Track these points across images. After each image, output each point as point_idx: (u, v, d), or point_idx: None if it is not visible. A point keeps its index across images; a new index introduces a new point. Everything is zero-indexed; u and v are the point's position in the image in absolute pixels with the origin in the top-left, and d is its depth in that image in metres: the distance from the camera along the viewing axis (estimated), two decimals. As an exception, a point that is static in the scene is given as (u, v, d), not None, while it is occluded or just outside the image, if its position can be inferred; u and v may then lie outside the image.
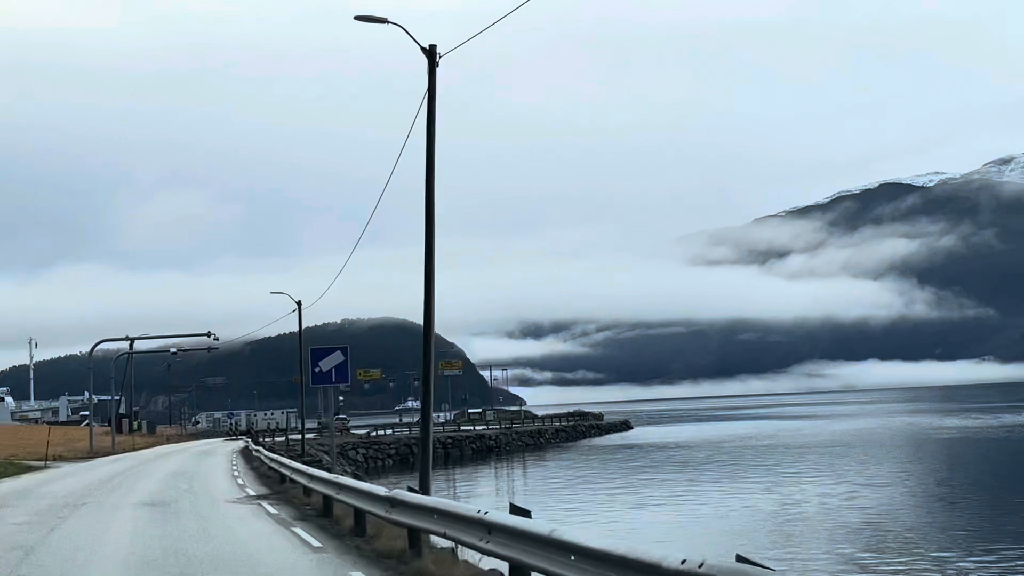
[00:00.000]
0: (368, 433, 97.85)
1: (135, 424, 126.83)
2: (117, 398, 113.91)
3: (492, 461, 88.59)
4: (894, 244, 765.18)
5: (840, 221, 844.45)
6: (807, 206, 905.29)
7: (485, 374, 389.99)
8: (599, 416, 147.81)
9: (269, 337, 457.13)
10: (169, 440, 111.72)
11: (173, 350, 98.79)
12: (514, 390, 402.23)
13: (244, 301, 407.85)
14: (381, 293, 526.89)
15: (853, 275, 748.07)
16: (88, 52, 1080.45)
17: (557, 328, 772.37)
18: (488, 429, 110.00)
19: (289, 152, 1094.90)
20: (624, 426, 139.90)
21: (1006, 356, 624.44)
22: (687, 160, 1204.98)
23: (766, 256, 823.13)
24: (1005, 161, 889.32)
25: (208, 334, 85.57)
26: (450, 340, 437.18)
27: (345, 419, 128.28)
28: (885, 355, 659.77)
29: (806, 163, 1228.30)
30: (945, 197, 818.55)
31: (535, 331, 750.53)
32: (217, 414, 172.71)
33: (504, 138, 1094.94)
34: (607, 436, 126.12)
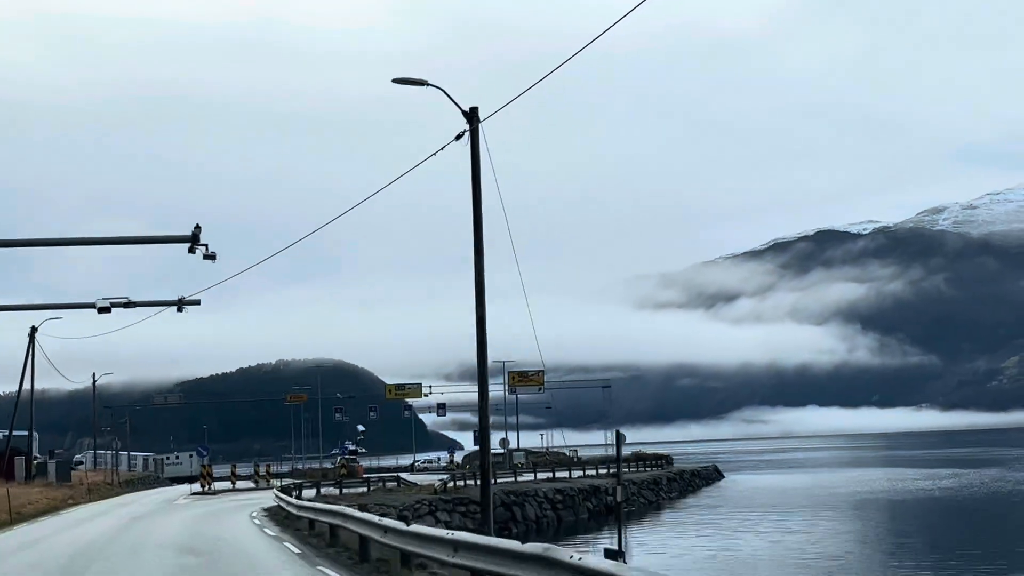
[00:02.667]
0: (446, 484, 64.81)
1: (35, 466, 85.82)
2: (7, 433, 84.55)
3: (644, 526, 64.55)
4: (842, 288, 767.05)
5: (792, 263, 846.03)
6: (746, 251, 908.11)
7: (423, 417, 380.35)
8: (669, 459, 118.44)
9: (201, 378, 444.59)
10: (91, 491, 73.53)
11: (103, 302, 46.32)
12: (452, 435, 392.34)
13: (177, 341, 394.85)
14: (316, 333, 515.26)
15: (799, 320, 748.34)
16: (14, 85, 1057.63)
17: (497, 371, 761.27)
18: (598, 479, 79.61)
19: (220, 187, 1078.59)
20: (717, 474, 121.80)
21: (944, 404, 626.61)
22: (641, 201, 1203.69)
23: (714, 300, 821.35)
24: (938, 210, 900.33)
25: (192, 239, 38.51)
26: (389, 382, 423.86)
27: (356, 461, 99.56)
28: (824, 401, 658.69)
29: (745, 208, 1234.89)
30: (897, 240, 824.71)
31: (474, 374, 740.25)
32: (162, 456, 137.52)
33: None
34: (720, 486, 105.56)
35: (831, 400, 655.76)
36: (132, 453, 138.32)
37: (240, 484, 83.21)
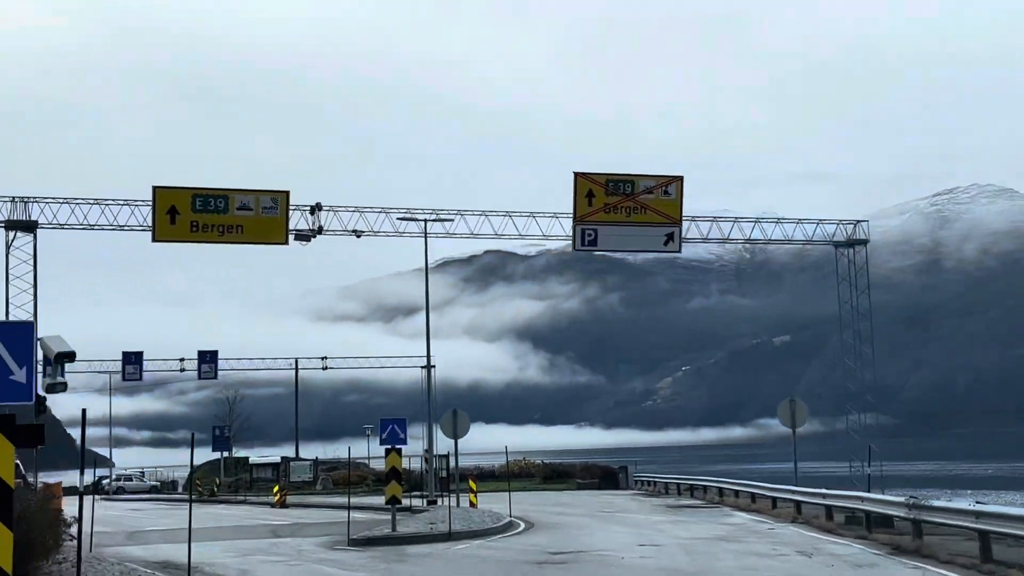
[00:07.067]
0: None
1: None
2: None
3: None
4: (519, 305, 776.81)
5: (475, 277, 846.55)
6: (415, 268, 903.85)
7: (72, 431, 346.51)
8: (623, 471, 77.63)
9: None
10: None
11: None
12: (104, 452, 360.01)
13: None
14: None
15: (474, 336, 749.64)
16: None
17: (153, 384, 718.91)
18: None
19: None
20: None
21: (602, 422, 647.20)
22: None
23: (393, 313, 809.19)
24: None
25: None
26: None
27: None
28: (492, 419, 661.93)
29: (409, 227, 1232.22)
30: (570, 260, 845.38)
31: (128, 387, 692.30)
32: None
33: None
34: None
35: (498, 418, 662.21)
36: None
37: None
